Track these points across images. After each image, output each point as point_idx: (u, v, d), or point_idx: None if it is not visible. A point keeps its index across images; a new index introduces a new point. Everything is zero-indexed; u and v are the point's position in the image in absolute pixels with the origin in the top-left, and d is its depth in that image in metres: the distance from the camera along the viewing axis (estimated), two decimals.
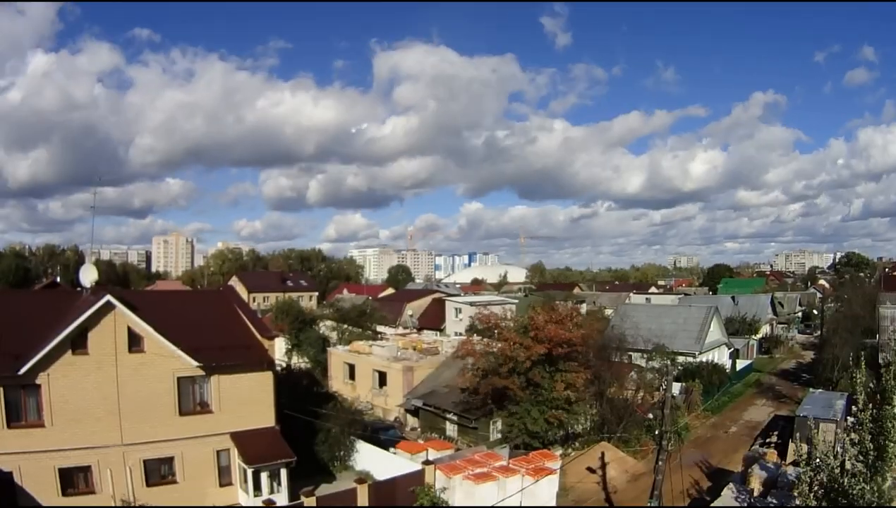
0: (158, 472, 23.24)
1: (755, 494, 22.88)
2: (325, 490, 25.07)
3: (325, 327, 56.09)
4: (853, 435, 14.11)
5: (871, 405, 13.77)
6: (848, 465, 13.90)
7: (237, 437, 24.09)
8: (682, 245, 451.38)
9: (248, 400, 24.59)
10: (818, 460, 14.56)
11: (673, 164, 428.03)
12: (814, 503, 14.08)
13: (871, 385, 14.85)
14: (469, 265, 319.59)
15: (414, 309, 74.88)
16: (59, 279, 48.54)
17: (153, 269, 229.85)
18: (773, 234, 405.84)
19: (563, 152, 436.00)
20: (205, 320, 26.21)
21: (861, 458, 13.47)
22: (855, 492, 13.11)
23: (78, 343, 21.80)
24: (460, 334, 52.58)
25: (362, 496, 22.78)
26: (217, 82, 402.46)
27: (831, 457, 14.23)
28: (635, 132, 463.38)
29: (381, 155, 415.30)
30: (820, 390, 35.47)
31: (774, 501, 21.95)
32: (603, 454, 29.30)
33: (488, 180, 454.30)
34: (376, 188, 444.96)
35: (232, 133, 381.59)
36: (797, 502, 14.93)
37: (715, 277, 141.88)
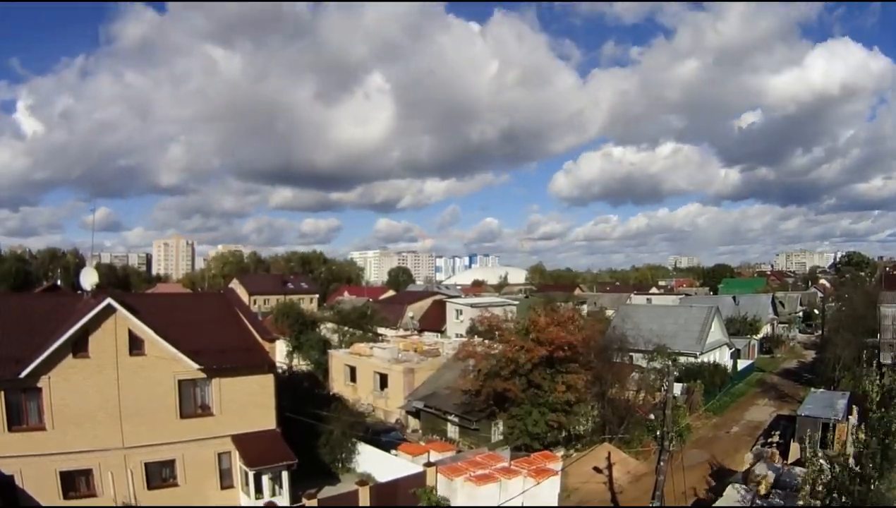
0: (160, 475, 23.20)
1: (758, 494, 22.84)
2: (328, 492, 25.04)
3: (326, 329, 56.03)
4: (860, 435, 14.07)
5: (881, 405, 13.74)
6: (852, 464, 13.87)
7: (238, 440, 24.06)
8: None
9: (249, 403, 24.56)
10: (822, 460, 14.53)
11: None
12: (818, 503, 14.06)
13: (879, 385, 14.83)
14: (469, 266, 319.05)
15: (415, 310, 74.84)
16: (59, 282, 48.47)
17: (154, 272, 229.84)
18: None
19: None
20: (205, 323, 26.18)
21: (869, 459, 13.44)
22: (860, 493, 13.08)
23: (79, 346, 21.77)
24: (461, 336, 52.58)
25: (364, 498, 22.78)
26: None
27: (838, 457, 14.19)
28: None
29: None
30: (822, 390, 35.49)
31: (777, 501, 21.93)
32: (609, 454, 29.30)
33: None
34: None
35: None
36: (801, 502, 14.90)
37: (716, 277, 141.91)
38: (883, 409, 13.64)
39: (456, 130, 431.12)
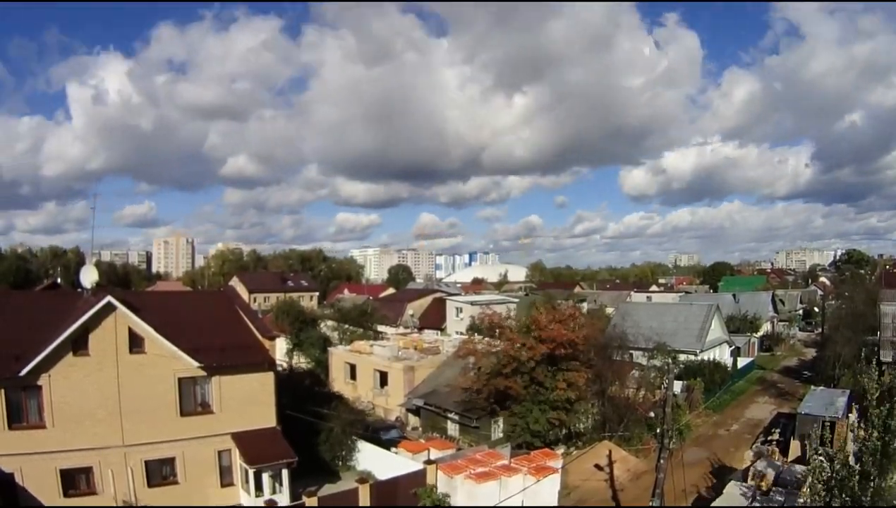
0: (160, 473, 23.21)
1: (758, 492, 22.84)
2: (329, 490, 25.07)
3: (326, 327, 56.07)
4: (860, 433, 14.08)
5: (880, 403, 13.73)
6: (853, 463, 13.86)
7: (238, 437, 24.07)
8: None
9: (249, 401, 24.58)
10: (821, 458, 14.52)
11: None
12: (818, 501, 14.05)
13: (878, 383, 14.81)
14: (469, 264, 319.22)
15: (415, 308, 74.84)
16: (59, 280, 48.45)
17: (154, 270, 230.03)
18: None
19: None
20: (206, 321, 26.17)
21: (869, 456, 13.43)
22: (861, 491, 13.07)
23: (79, 344, 21.77)
24: (461, 333, 52.58)
25: (364, 496, 22.77)
26: None
27: (838, 455, 14.18)
28: None
29: None
30: (822, 387, 35.47)
31: (777, 499, 21.93)
32: (610, 452, 29.33)
33: None
34: None
35: None
36: (801, 500, 14.90)
37: (716, 275, 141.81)
38: (882, 407, 13.63)
39: (581, 127, 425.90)
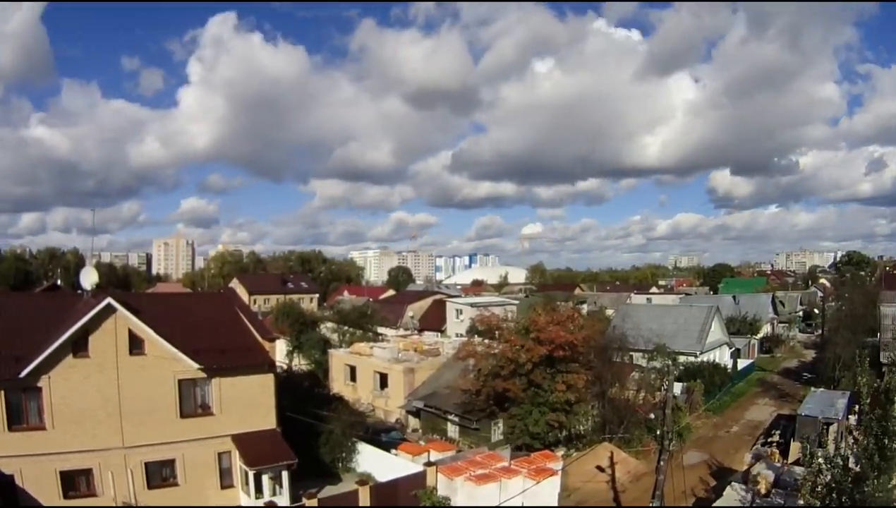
0: (160, 474, 23.21)
1: (757, 493, 22.84)
2: (328, 491, 25.05)
3: (326, 329, 56.04)
4: (857, 435, 14.10)
5: (875, 405, 13.74)
6: (852, 465, 13.87)
7: (238, 439, 24.07)
8: None
9: (249, 403, 24.58)
10: (821, 460, 14.53)
11: None
12: (818, 503, 14.06)
13: (876, 384, 14.83)
14: (469, 266, 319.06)
15: (415, 310, 74.82)
16: (59, 282, 48.43)
17: (154, 272, 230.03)
18: None
19: None
20: (205, 322, 26.18)
21: (866, 459, 13.44)
22: (859, 493, 13.08)
23: (79, 345, 21.78)
24: (461, 335, 52.57)
25: (364, 497, 22.79)
26: None
27: (837, 457, 14.19)
28: None
29: None
30: (822, 389, 35.47)
31: (777, 501, 21.92)
32: (612, 454, 29.35)
33: None
34: None
35: None
36: (801, 502, 14.91)
37: (716, 277, 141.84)
38: (878, 409, 13.64)
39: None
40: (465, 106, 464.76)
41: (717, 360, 47.48)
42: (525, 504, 23.48)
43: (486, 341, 34.64)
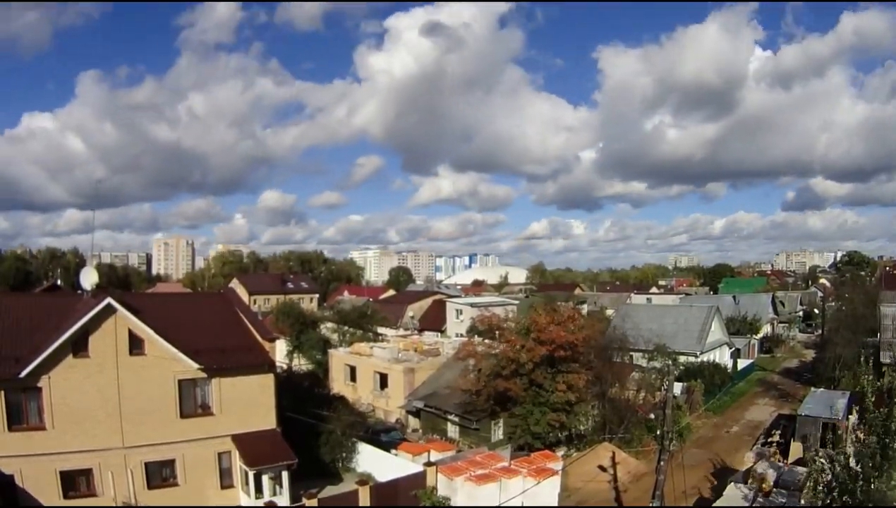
0: (160, 474, 23.20)
1: (758, 493, 22.82)
2: (328, 491, 25.05)
3: (326, 329, 56.04)
4: (859, 434, 14.08)
5: (879, 404, 13.73)
6: (853, 464, 13.86)
7: (238, 439, 24.06)
8: None
9: (249, 403, 24.57)
10: (822, 460, 14.52)
11: None
12: (819, 502, 14.05)
13: (878, 384, 14.83)
14: (469, 266, 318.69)
15: (415, 310, 74.85)
16: (59, 282, 48.43)
17: (154, 272, 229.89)
18: None
19: None
20: (206, 322, 26.18)
21: (868, 458, 13.43)
22: (861, 492, 13.06)
23: (79, 346, 21.77)
24: (461, 335, 52.58)
25: (364, 497, 22.78)
26: None
27: (840, 457, 14.17)
28: None
29: None
30: (822, 389, 35.44)
31: (778, 500, 21.91)
32: (614, 454, 29.35)
33: None
34: None
35: None
36: (802, 501, 14.90)
37: (716, 277, 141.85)
38: (881, 409, 13.63)
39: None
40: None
41: (717, 360, 47.50)
42: (525, 505, 23.48)
43: (487, 341, 34.65)
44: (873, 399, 13.93)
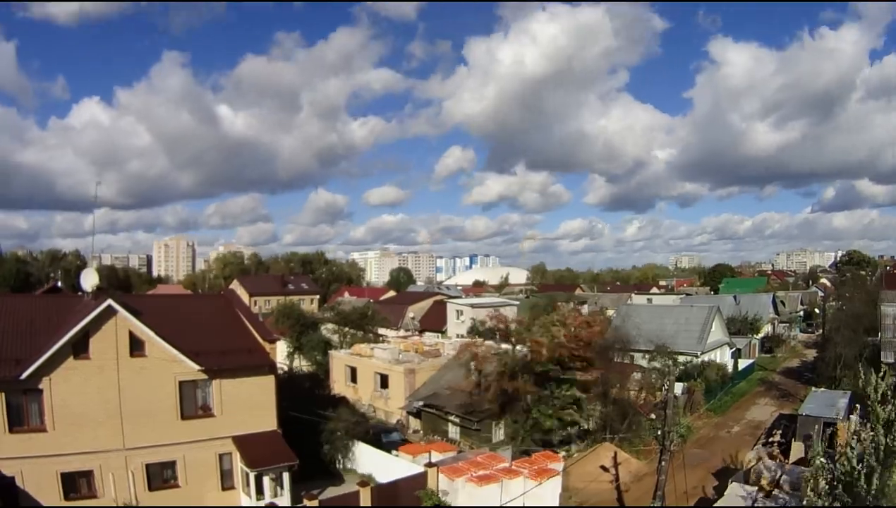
0: (161, 476, 23.20)
1: (759, 493, 22.81)
2: (330, 493, 25.05)
3: (327, 330, 56.02)
4: (863, 434, 14.04)
5: (883, 404, 13.71)
6: (854, 464, 13.83)
7: (239, 441, 24.06)
8: None
9: (250, 404, 24.57)
10: (823, 459, 14.50)
11: None
12: (820, 502, 14.03)
13: (880, 383, 14.79)
14: (470, 267, 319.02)
15: (415, 311, 74.86)
16: (60, 283, 48.49)
17: (154, 273, 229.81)
18: None
19: None
20: (206, 324, 26.21)
21: (871, 457, 13.40)
22: (863, 492, 13.04)
23: (80, 347, 21.78)
24: (462, 336, 52.58)
25: (365, 498, 22.76)
26: None
27: (842, 456, 14.15)
28: None
29: None
30: (823, 388, 35.44)
31: (778, 500, 21.90)
32: (616, 454, 29.34)
33: None
34: None
35: None
36: (804, 501, 14.88)
37: (716, 277, 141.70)
38: (885, 406, 13.62)
39: None
40: None
41: (717, 360, 47.47)
42: (526, 505, 23.47)
43: (490, 342, 34.77)
44: (879, 399, 13.90)
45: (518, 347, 31.97)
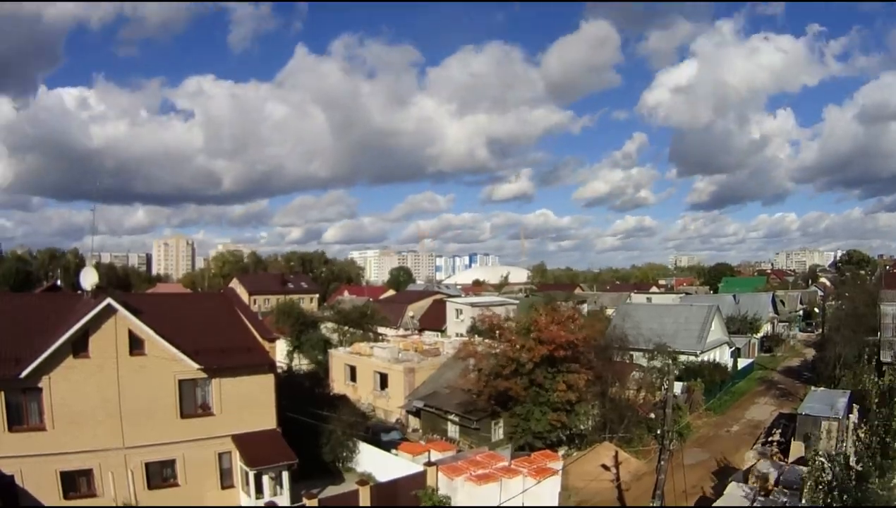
0: (160, 475, 23.22)
1: (759, 492, 22.81)
2: (329, 491, 25.06)
3: (327, 329, 56.03)
4: (861, 434, 14.05)
5: (882, 404, 13.72)
6: (853, 463, 13.85)
7: (239, 439, 24.06)
8: None
9: (249, 403, 24.58)
10: (822, 459, 14.51)
11: None
12: (819, 501, 14.04)
13: (879, 383, 14.82)
14: (470, 266, 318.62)
15: (415, 310, 74.82)
16: (59, 282, 48.44)
17: (154, 272, 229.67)
18: None
19: None
20: (206, 323, 26.18)
21: (868, 457, 13.42)
22: (862, 491, 13.05)
23: (79, 346, 21.78)
24: (461, 335, 52.56)
25: (364, 497, 22.78)
26: None
27: (839, 456, 14.16)
28: None
29: None
30: (822, 388, 35.42)
31: (778, 499, 21.90)
32: (616, 454, 29.33)
33: None
34: None
35: None
36: (803, 501, 14.89)
37: (716, 276, 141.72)
38: (883, 408, 13.63)
39: None
40: None
41: (717, 359, 47.48)
42: (526, 504, 23.48)
43: (487, 341, 34.65)
44: (877, 399, 13.91)
45: (503, 347, 31.78)
